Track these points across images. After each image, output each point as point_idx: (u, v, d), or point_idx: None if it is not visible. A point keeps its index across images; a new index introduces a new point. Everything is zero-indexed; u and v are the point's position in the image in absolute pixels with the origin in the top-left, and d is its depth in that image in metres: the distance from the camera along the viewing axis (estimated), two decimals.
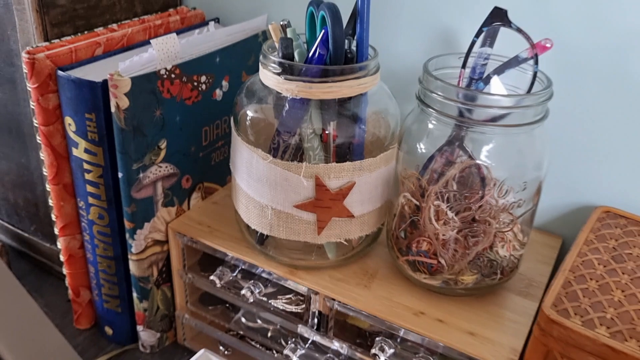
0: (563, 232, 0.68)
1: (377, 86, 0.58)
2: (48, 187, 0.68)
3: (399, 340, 0.59)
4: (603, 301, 0.51)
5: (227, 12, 0.81)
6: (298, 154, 0.57)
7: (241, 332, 0.71)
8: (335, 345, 0.62)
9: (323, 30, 0.52)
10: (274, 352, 0.69)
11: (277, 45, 0.56)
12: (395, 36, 0.69)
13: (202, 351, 0.63)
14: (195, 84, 0.64)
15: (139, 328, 0.72)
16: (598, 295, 0.52)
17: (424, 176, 0.55)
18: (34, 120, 0.64)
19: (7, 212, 0.87)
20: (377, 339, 0.58)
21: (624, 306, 0.50)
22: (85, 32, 0.68)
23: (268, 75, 0.55)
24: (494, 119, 0.52)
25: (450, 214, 0.53)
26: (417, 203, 0.55)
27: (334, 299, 0.59)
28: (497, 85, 0.57)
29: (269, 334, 0.69)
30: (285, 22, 0.57)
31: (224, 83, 0.68)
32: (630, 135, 0.61)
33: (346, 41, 0.54)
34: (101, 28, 0.69)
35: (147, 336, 0.73)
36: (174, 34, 0.61)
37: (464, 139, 0.54)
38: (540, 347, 0.50)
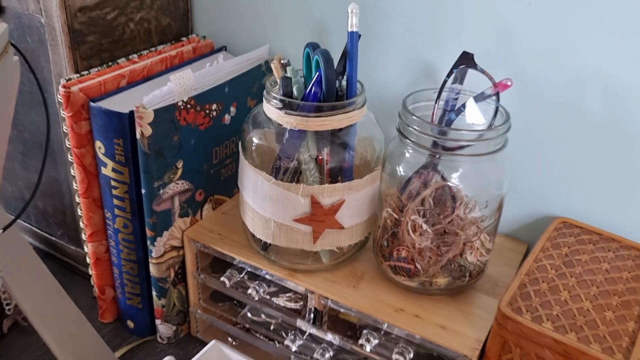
0: (528, 238, 0.78)
1: (365, 116, 0.68)
2: (78, 199, 0.78)
3: (382, 332, 0.69)
4: (551, 300, 0.61)
5: (232, 40, 0.90)
6: (296, 175, 0.67)
7: (247, 326, 0.81)
8: (329, 337, 0.72)
9: (317, 73, 0.62)
10: (276, 342, 0.79)
11: (278, 81, 0.65)
12: (382, 67, 0.79)
13: (213, 342, 0.73)
14: (207, 111, 0.74)
15: (158, 322, 0.83)
16: (547, 296, 0.62)
17: (403, 194, 0.65)
18: (66, 142, 0.74)
19: (36, 218, 0.97)
20: (364, 331, 0.69)
21: (569, 305, 0.60)
22: (110, 63, 0.78)
23: (270, 109, 0.65)
24: (462, 147, 0.62)
25: (425, 227, 0.63)
26: (397, 217, 0.65)
27: (327, 298, 0.69)
28: (472, 107, 0.66)
29: (272, 327, 0.79)
30: (286, 62, 0.67)
31: (232, 109, 0.78)
32: (584, 156, 0.70)
33: (337, 81, 0.64)
34: (124, 59, 0.79)
35: (164, 329, 0.83)
36: (189, 70, 0.70)
37: (437, 164, 0.64)
38: (498, 338, 0.61)
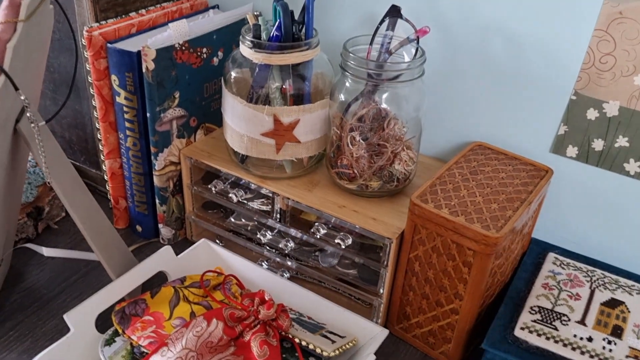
0: (449, 159, 0.98)
1: (319, 56, 0.87)
2: (98, 125, 0.98)
3: (330, 225, 0.89)
4: (452, 195, 0.80)
5: (225, 1, 1.10)
6: (266, 101, 0.86)
7: (232, 229, 1.02)
8: (292, 232, 0.92)
9: (278, 20, 0.81)
10: (254, 242, 1.00)
11: (251, 28, 0.85)
12: (339, 21, 0.98)
13: (202, 240, 0.94)
14: (199, 53, 0.94)
15: (160, 225, 1.04)
16: (450, 192, 0.81)
17: (345, 117, 0.85)
18: (89, 78, 0.95)
19: (63, 146, 1.18)
20: (315, 223, 0.89)
21: (465, 199, 0.80)
22: (123, 15, 0.98)
23: (244, 49, 0.84)
24: (390, 79, 0.81)
25: (358, 139, 0.83)
26: (340, 133, 0.85)
27: (289, 198, 0.89)
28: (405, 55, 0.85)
29: (249, 228, 1.00)
30: (258, 13, 0.86)
31: (219, 53, 0.98)
32: (493, 91, 0.89)
33: (295, 27, 0.83)
34: (134, 13, 0.99)
35: (165, 232, 1.05)
36: (185, 20, 0.90)
37: (372, 92, 0.83)
38: (410, 222, 0.80)
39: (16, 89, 0.68)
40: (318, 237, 0.88)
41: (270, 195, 0.91)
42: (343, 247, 0.87)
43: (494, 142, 0.93)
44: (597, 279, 0.84)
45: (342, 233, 0.88)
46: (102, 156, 1.02)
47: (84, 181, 1.18)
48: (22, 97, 0.69)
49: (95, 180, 1.17)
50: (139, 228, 1.07)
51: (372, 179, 0.86)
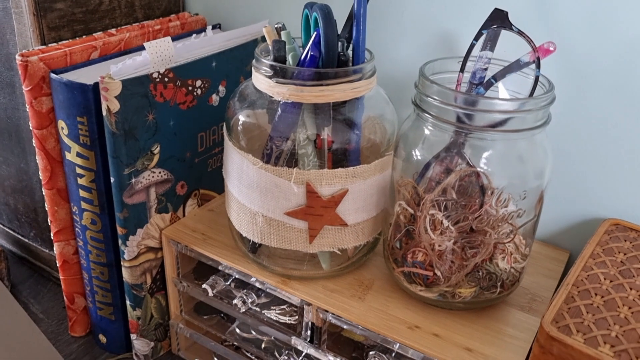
0: (570, 245, 0.66)
1: (374, 91, 0.56)
2: (44, 191, 0.67)
3: (394, 355, 0.57)
4: (608, 318, 0.48)
5: (229, 19, 0.80)
6: (292, 161, 0.55)
7: (236, 344, 0.69)
8: (330, 358, 0.60)
9: (315, 32, 0.51)
10: None
11: (270, 48, 0.54)
12: (395, 41, 0.67)
13: None
14: (190, 88, 0.63)
15: (133, 337, 0.71)
16: (603, 312, 0.49)
17: (420, 184, 0.53)
18: (30, 124, 0.64)
19: (8, 217, 0.86)
20: (370, 352, 0.56)
21: (631, 324, 0.47)
22: (84, 36, 0.68)
23: (260, 79, 0.53)
24: (493, 125, 0.50)
25: (447, 223, 0.51)
26: (413, 212, 0.53)
27: (327, 311, 0.57)
28: (501, 93, 0.55)
29: (263, 345, 0.67)
30: (280, 25, 0.56)
31: (221, 88, 0.67)
32: (639, 143, 0.58)
33: (340, 44, 0.53)
34: (100, 33, 0.69)
35: (140, 345, 0.72)
36: (169, 38, 0.60)
37: (462, 145, 0.52)
38: None
39: None
40: None
41: (297, 303, 0.59)
42: None
43: (637, 220, 0.61)
44: None
45: None
46: (51, 235, 0.71)
47: (35, 264, 0.87)
48: None
49: (49, 264, 0.85)
50: (102, 338, 0.74)
51: (463, 284, 0.54)
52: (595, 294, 0.51)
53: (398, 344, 0.54)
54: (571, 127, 0.60)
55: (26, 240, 0.86)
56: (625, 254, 0.56)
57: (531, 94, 0.52)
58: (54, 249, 0.70)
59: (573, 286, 0.52)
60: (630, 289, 0.51)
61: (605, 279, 0.53)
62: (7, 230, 0.88)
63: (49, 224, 0.69)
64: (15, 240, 0.88)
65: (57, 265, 0.72)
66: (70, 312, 0.75)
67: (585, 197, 0.63)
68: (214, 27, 0.77)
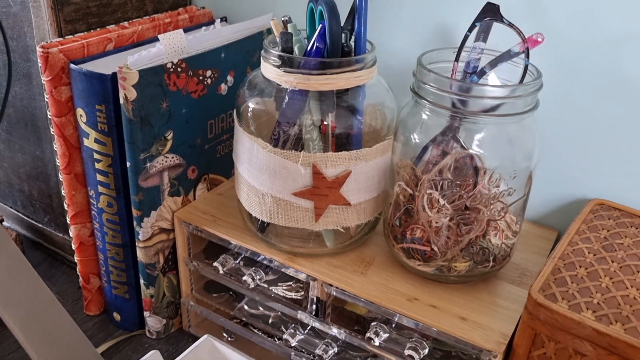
0: (558, 225, 0.70)
1: (375, 79, 0.60)
2: (61, 176, 0.71)
3: (394, 325, 0.61)
4: (591, 287, 0.52)
5: (234, 12, 0.84)
6: (299, 145, 0.59)
7: (244, 319, 0.73)
8: (334, 331, 0.64)
9: (320, 25, 0.55)
10: (275, 338, 0.71)
11: (277, 39, 0.58)
12: (394, 33, 0.71)
13: (205, 337, 0.66)
14: (201, 78, 0.67)
15: (146, 314, 0.75)
16: (586, 282, 0.53)
17: (418, 166, 0.57)
18: (48, 113, 0.68)
19: (23, 203, 0.90)
20: (372, 324, 0.60)
21: (611, 292, 0.52)
22: (98, 29, 0.71)
23: (268, 68, 0.57)
24: (486, 110, 0.54)
25: (443, 202, 0.55)
26: (411, 192, 0.57)
27: (331, 285, 0.61)
28: (494, 81, 0.59)
29: (270, 321, 0.71)
30: (287, 18, 0.60)
31: (229, 78, 0.71)
32: (623, 128, 0.62)
33: (344, 35, 0.57)
34: (113, 25, 0.72)
35: (153, 322, 0.76)
36: (181, 30, 0.64)
37: (457, 130, 0.56)
38: (529, 330, 0.52)
39: None
40: (377, 344, 0.59)
41: (303, 278, 0.63)
42: None
43: (620, 200, 0.65)
44: None
45: (413, 339, 0.59)
46: (67, 218, 0.74)
47: (49, 248, 0.91)
48: None
49: (62, 248, 0.88)
50: (117, 316, 0.78)
51: (458, 259, 0.58)
52: (580, 266, 0.55)
53: (398, 316, 0.58)
54: (559, 113, 0.64)
55: (40, 225, 0.90)
56: (608, 231, 0.60)
57: (521, 81, 0.56)
58: (71, 231, 0.74)
59: (559, 259, 0.56)
60: (612, 261, 0.56)
61: (589, 252, 0.57)
62: (22, 215, 0.92)
63: (66, 208, 0.73)
64: (30, 225, 0.91)
65: (73, 247, 0.76)
66: (86, 291, 0.79)
67: (572, 179, 0.67)
68: (220, 20, 0.81)
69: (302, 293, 0.66)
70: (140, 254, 0.70)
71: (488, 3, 0.56)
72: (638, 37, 0.58)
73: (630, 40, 0.58)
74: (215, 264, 0.68)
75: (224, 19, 0.82)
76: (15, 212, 0.92)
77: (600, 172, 0.65)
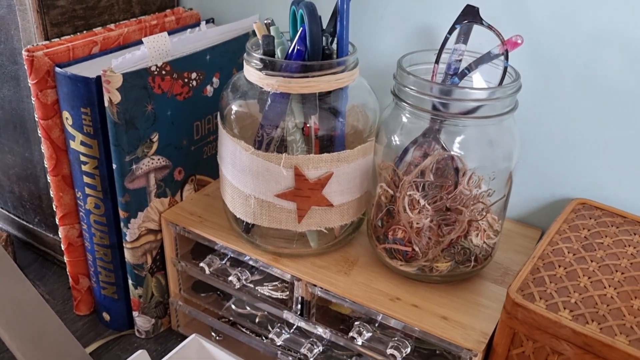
0: (541, 224, 0.70)
1: (357, 81, 0.60)
2: (49, 178, 0.71)
3: (377, 325, 0.61)
4: (569, 286, 0.53)
5: (221, 13, 0.84)
6: (282, 147, 0.59)
7: (232, 319, 0.74)
8: (319, 330, 0.65)
9: (301, 28, 0.55)
10: (263, 337, 0.72)
11: (260, 42, 0.59)
12: (377, 35, 0.72)
13: (192, 336, 0.66)
14: (186, 80, 0.67)
15: (135, 314, 0.76)
16: (564, 281, 0.54)
17: (399, 167, 0.58)
18: (35, 115, 0.68)
19: (13, 204, 0.91)
20: (355, 323, 0.61)
21: (589, 291, 0.52)
22: (84, 31, 0.72)
23: (251, 71, 0.58)
24: (466, 112, 0.55)
25: (423, 202, 0.55)
26: (393, 193, 0.58)
27: (315, 285, 0.61)
28: (479, 81, 0.59)
29: (257, 320, 0.72)
30: (269, 21, 0.60)
31: (215, 80, 0.71)
32: (604, 128, 0.63)
33: (324, 38, 0.57)
34: (99, 28, 0.73)
35: (142, 322, 0.76)
36: (165, 33, 0.64)
37: (438, 131, 0.56)
38: (507, 330, 0.53)
39: None
40: (360, 343, 0.60)
41: (288, 278, 0.63)
42: (399, 359, 0.58)
43: (601, 199, 0.66)
44: None
45: (395, 338, 0.60)
46: (56, 219, 0.75)
47: (40, 249, 0.91)
48: None
49: (53, 248, 0.89)
50: (106, 316, 0.79)
51: (439, 259, 0.59)
52: (559, 266, 0.56)
53: (381, 315, 0.59)
54: (539, 114, 0.65)
55: (31, 226, 0.90)
56: (589, 230, 0.61)
57: (500, 83, 0.56)
58: (59, 232, 0.75)
59: (539, 259, 0.56)
60: (591, 261, 0.56)
61: (568, 252, 0.58)
62: (13, 216, 0.92)
63: (54, 209, 0.73)
64: (20, 226, 0.92)
65: (62, 248, 0.76)
66: (75, 292, 0.80)
67: (555, 179, 0.68)
68: (207, 22, 0.81)
69: (287, 293, 0.66)
70: (127, 255, 0.71)
71: (468, 5, 0.56)
72: (617, 37, 0.58)
73: (610, 40, 0.59)
74: (201, 264, 0.69)
75: (210, 21, 0.82)
76: (6, 212, 0.93)
77: (583, 171, 0.66)
